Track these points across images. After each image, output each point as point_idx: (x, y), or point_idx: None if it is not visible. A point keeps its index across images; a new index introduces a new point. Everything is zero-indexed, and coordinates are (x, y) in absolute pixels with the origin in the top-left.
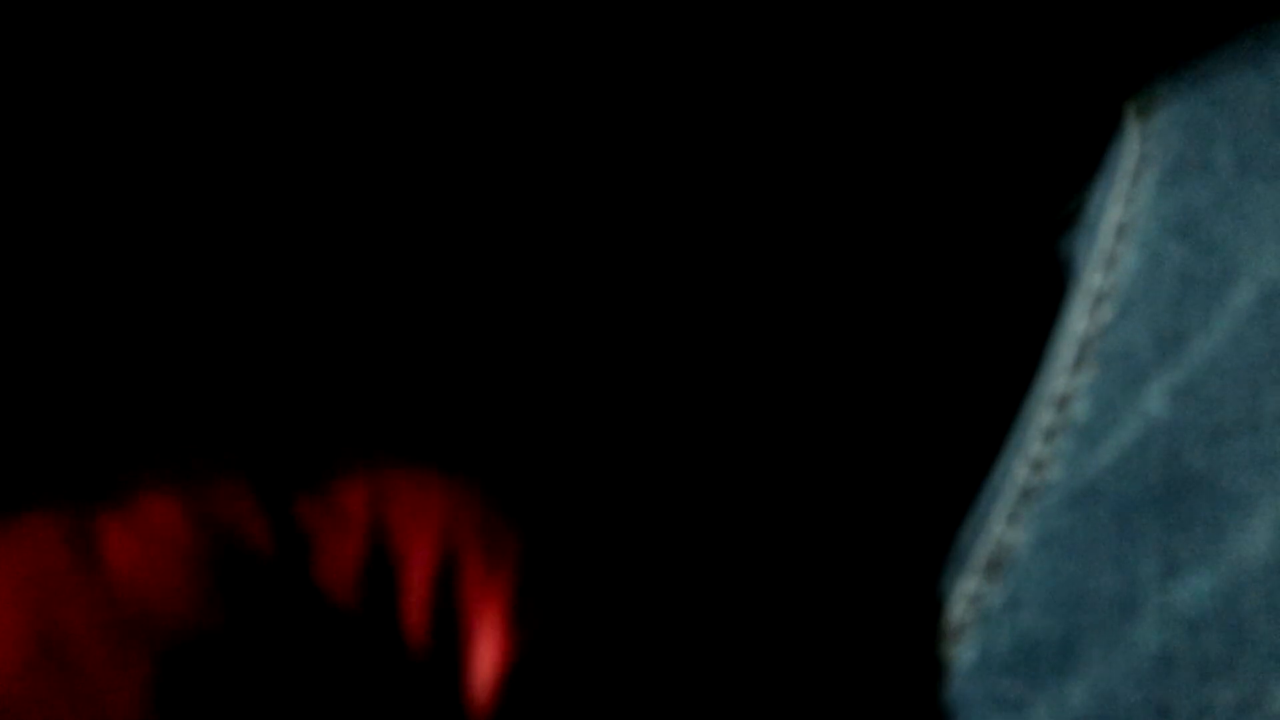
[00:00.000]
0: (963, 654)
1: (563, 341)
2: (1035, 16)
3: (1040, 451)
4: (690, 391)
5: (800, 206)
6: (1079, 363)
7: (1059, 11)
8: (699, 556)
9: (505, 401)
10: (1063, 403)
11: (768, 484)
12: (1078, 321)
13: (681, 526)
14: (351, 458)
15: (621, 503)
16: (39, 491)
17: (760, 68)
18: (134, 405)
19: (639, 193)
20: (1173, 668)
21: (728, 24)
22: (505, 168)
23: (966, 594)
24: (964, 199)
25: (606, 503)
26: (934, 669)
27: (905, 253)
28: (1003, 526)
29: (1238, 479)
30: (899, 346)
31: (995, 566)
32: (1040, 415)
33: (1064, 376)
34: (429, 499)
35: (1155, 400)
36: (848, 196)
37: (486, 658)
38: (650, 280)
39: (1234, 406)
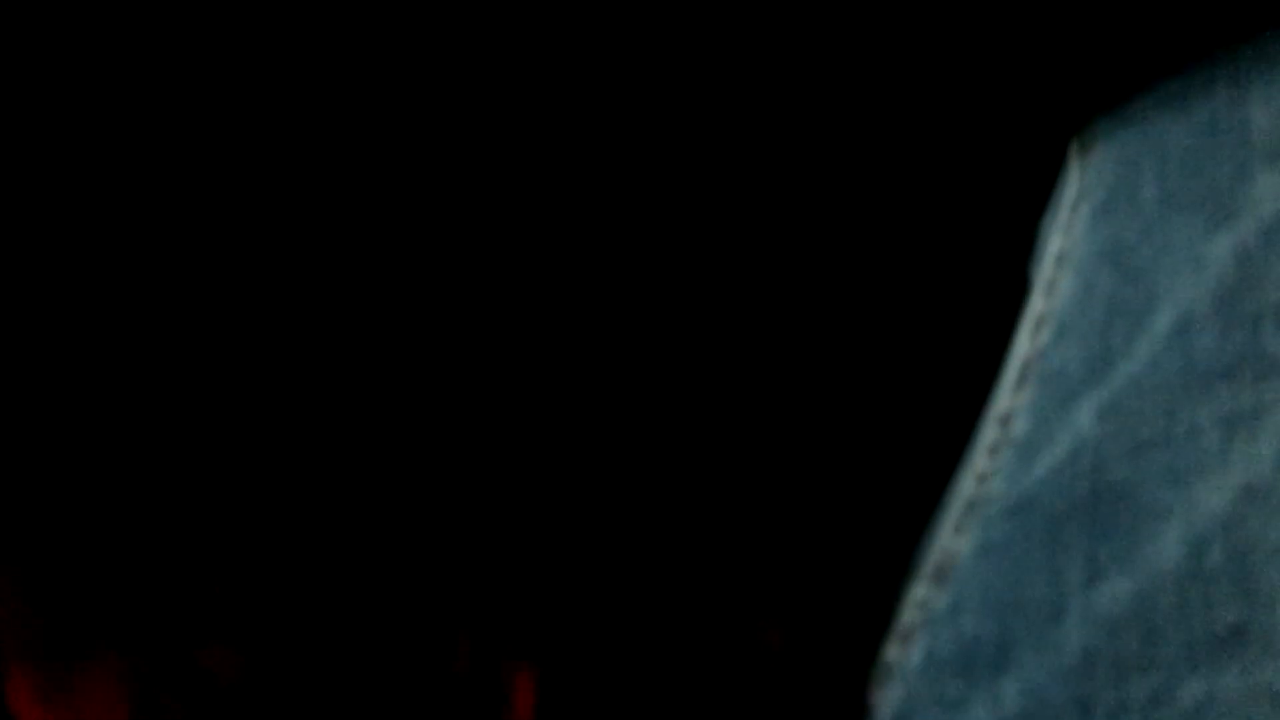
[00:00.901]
0: (911, 656)
1: (562, 342)
2: (994, 58)
3: (985, 465)
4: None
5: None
6: (1021, 382)
7: (1015, 52)
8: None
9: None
10: (1006, 420)
11: (741, 491)
12: (1022, 344)
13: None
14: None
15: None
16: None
17: (748, 78)
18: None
19: (637, 193)
20: (1094, 666)
21: (723, 25)
22: (506, 168)
23: (916, 600)
24: (936, 224)
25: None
26: (884, 671)
27: (880, 270)
28: (949, 536)
29: (1154, 491)
30: (871, 361)
31: (941, 573)
32: (986, 432)
33: (1008, 395)
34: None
35: (1084, 418)
36: (820, 214)
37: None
38: (643, 286)
39: (1152, 424)
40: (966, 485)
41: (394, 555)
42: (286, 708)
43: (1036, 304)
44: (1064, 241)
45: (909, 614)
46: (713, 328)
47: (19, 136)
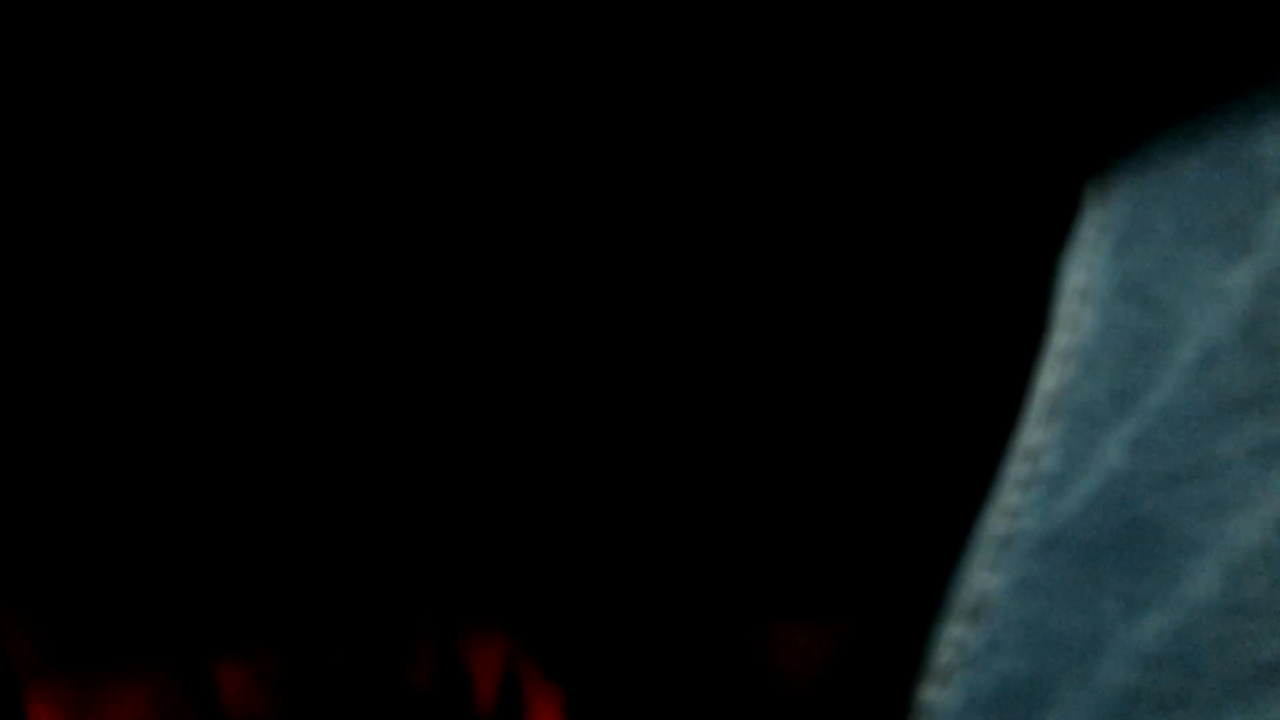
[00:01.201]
0: (948, 697)
1: (563, 342)
2: (1010, 103)
3: (1015, 501)
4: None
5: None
6: (1048, 417)
7: (1030, 98)
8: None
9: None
10: (1034, 455)
11: (765, 524)
12: (1047, 379)
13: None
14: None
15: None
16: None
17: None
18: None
19: (640, 193)
20: (1134, 703)
21: (727, 26)
22: (507, 168)
23: (950, 639)
24: (953, 262)
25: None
26: (923, 712)
27: (903, 310)
28: (983, 573)
29: (1189, 524)
30: (890, 395)
31: (976, 612)
32: (1015, 467)
33: (1036, 430)
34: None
35: (1114, 451)
36: (842, 238)
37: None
38: (647, 284)
39: (1182, 456)
40: (996, 522)
41: (411, 566)
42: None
43: (1060, 339)
44: (1085, 277)
45: (945, 653)
46: (725, 352)
47: (19, 136)
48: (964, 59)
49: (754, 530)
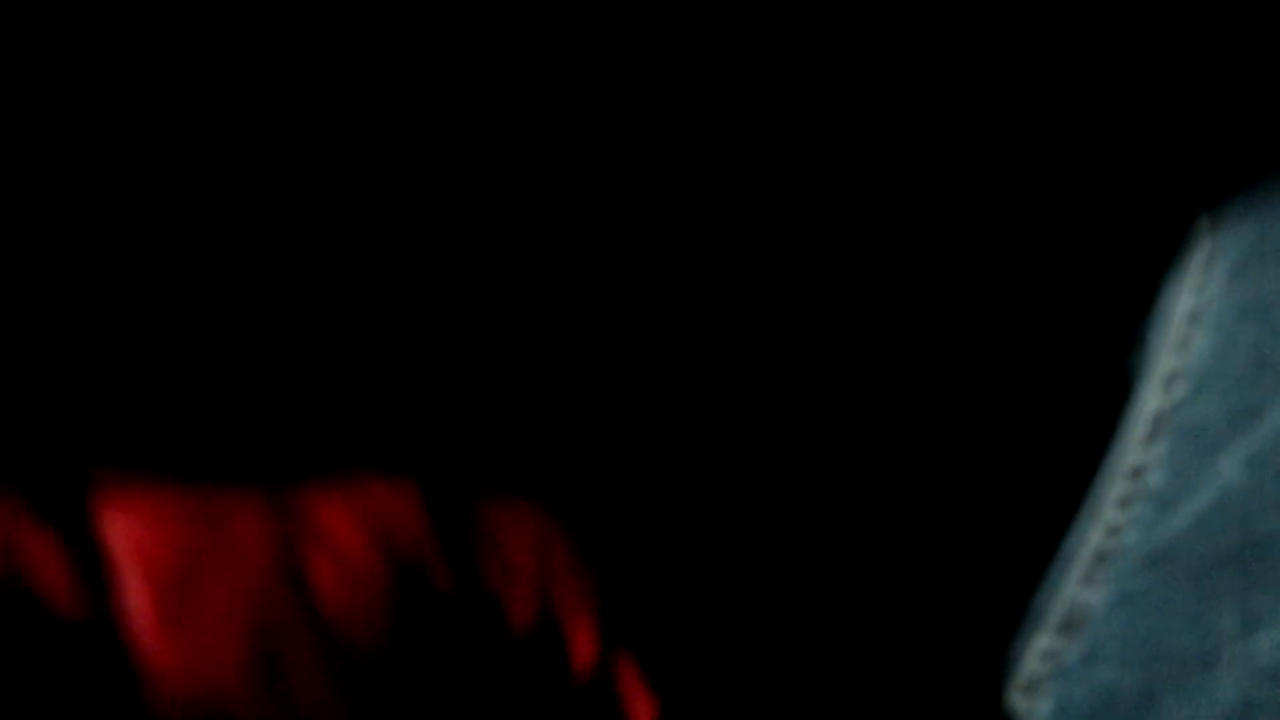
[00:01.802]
0: (1038, 707)
1: (574, 348)
2: (1117, 133)
3: (1115, 518)
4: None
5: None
6: (1153, 436)
7: (1135, 128)
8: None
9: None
10: (1137, 473)
11: (839, 536)
12: (1151, 399)
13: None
14: (510, 505)
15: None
16: (238, 489)
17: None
18: (293, 400)
19: (673, 194)
20: (1254, 713)
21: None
22: (507, 168)
23: (1040, 650)
24: (1049, 284)
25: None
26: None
27: (989, 333)
28: (1077, 588)
29: None
30: (972, 416)
31: (1070, 624)
32: (1114, 485)
33: (1138, 449)
34: (583, 587)
35: (1230, 469)
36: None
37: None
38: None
39: None
40: (1094, 537)
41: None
42: None
43: (1166, 361)
44: (1196, 300)
45: (1034, 664)
46: (817, 371)
47: (19, 136)
48: (1078, 86)
49: (845, 543)
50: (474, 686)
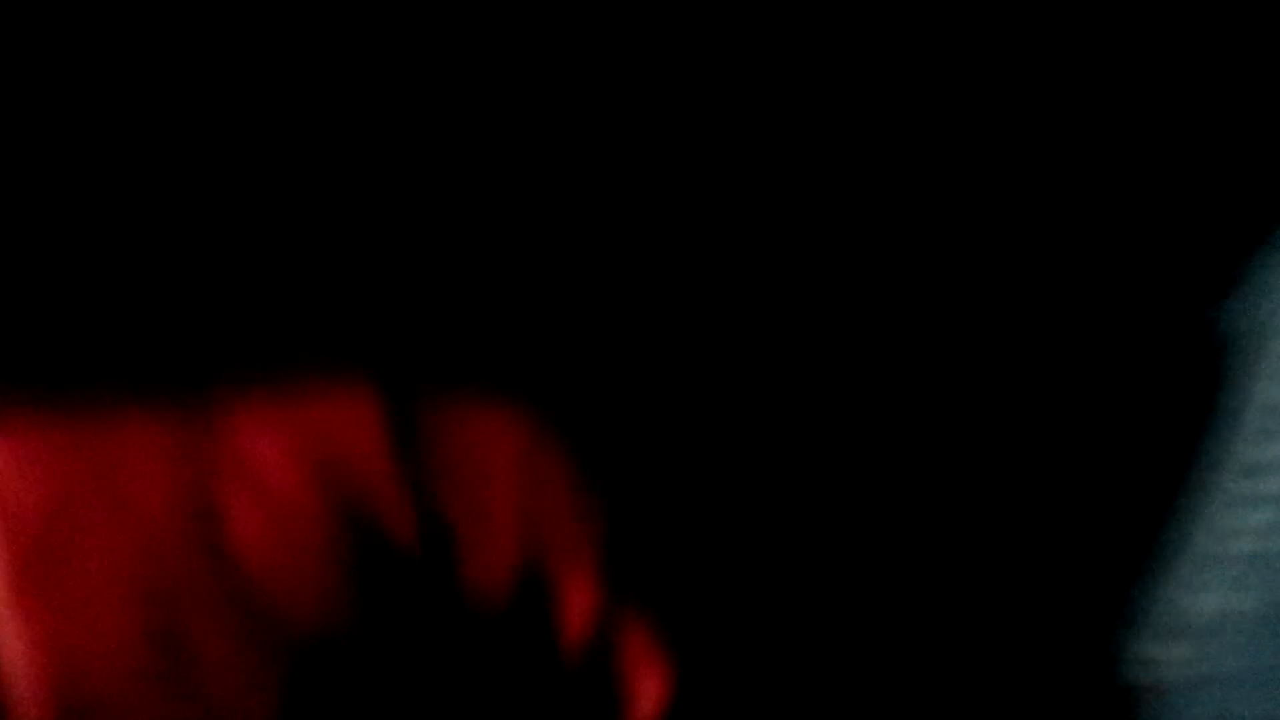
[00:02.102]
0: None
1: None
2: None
3: (1233, 521)
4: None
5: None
6: (1272, 432)
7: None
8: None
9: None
10: (1253, 471)
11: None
12: (1266, 389)
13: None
14: (489, 418)
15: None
16: (134, 410)
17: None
18: (221, 298)
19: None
20: None
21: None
22: (508, 168)
23: (1150, 657)
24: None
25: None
26: None
27: (1068, 314)
28: (1191, 592)
29: None
30: (1057, 410)
31: (1180, 631)
32: (1229, 484)
33: (1255, 445)
34: (581, 529)
35: None
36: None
37: (648, 697)
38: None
39: None
40: (1206, 542)
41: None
42: None
43: None
44: None
45: (1136, 670)
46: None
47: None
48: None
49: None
50: (437, 661)
